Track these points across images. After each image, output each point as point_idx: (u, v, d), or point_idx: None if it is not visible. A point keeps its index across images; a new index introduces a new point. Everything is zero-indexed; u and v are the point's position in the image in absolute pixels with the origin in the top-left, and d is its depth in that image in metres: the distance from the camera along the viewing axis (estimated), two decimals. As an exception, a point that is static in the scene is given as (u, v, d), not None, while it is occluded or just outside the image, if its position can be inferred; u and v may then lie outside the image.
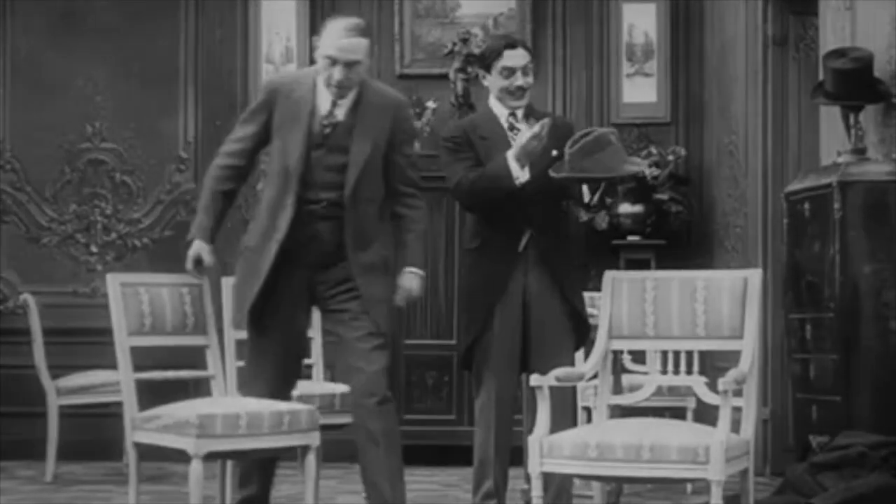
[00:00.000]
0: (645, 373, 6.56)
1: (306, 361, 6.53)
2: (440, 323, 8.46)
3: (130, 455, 5.47)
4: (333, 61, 5.31)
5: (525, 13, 9.03)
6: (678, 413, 6.92)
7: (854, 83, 6.33)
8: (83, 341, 8.25)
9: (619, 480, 5.79)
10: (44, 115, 9.09)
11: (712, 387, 5.41)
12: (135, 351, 5.55)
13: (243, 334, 6.30)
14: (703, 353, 5.50)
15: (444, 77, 8.84)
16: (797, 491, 5.80)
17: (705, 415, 6.56)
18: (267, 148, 5.55)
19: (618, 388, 5.96)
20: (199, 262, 5.45)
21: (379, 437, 5.30)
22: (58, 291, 8.92)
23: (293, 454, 5.47)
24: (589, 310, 6.04)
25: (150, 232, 9.15)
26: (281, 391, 5.48)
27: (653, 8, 8.97)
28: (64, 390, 7.94)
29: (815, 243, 6.34)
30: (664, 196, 8.66)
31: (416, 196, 5.53)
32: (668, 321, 5.38)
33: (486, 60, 5.86)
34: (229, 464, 5.92)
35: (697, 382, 5.63)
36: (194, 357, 5.85)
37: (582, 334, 5.82)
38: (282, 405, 5.37)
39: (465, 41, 8.77)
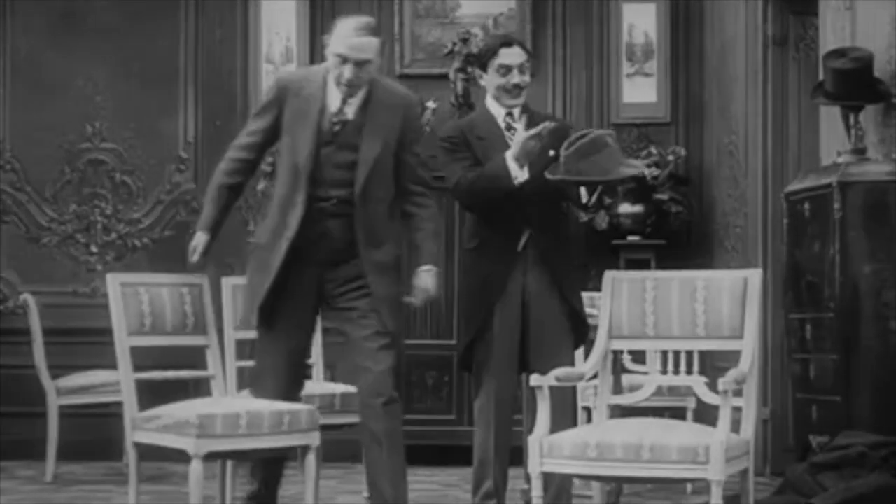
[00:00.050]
0: (645, 373, 6.55)
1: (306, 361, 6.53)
2: (440, 323, 8.46)
3: (130, 455, 5.48)
4: (344, 59, 5.32)
5: (525, 13, 9.03)
6: (678, 413, 6.92)
7: (854, 83, 6.33)
8: (83, 341, 8.25)
9: (619, 480, 5.79)
10: (44, 115, 9.09)
11: (712, 387, 5.41)
12: (135, 351, 5.55)
13: (243, 334, 6.32)
14: (703, 353, 5.49)
15: (444, 77, 8.84)
16: (797, 491, 5.80)
17: (705, 415, 6.56)
18: (272, 148, 5.56)
19: (618, 388, 5.95)
20: (204, 253, 5.47)
21: (382, 437, 5.31)
22: (58, 291, 8.92)
23: (293, 454, 5.48)
24: (589, 310, 6.04)
25: (150, 232, 9.15)
26: (291, 391, 5.49)
27: (653, 8, 8.97)
28: (64, 390, 7.94)
29: (815, 243, 6.34)
30: (664, 196, 8.66)
31: (427, 195, 5.53)
32: (668, 321, 5.38)
33: (482, 59, 5.87)
34: (229, 464, 5.93)
35: (697, 382, 5.62)
36: (194, 357, 5.85)
37: (581, 334, 5.82)
38: (282, 405, 5.37)
39: (465, 41, 8.77)
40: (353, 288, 5.41)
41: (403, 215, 5.52)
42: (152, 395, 5.70)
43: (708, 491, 4.90)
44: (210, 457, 5.31)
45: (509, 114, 5.81)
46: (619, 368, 6.13)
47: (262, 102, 5.64)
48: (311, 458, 5.41)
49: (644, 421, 5.22)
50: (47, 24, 9.14)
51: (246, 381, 6.67)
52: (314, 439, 5.41)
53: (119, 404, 5.75)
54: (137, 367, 5.56)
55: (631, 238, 8.66)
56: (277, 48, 9.06)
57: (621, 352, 6.14)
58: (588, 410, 6.57)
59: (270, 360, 5.47)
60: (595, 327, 5.60)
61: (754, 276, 5.34)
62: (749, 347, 5.22)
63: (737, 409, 5.05)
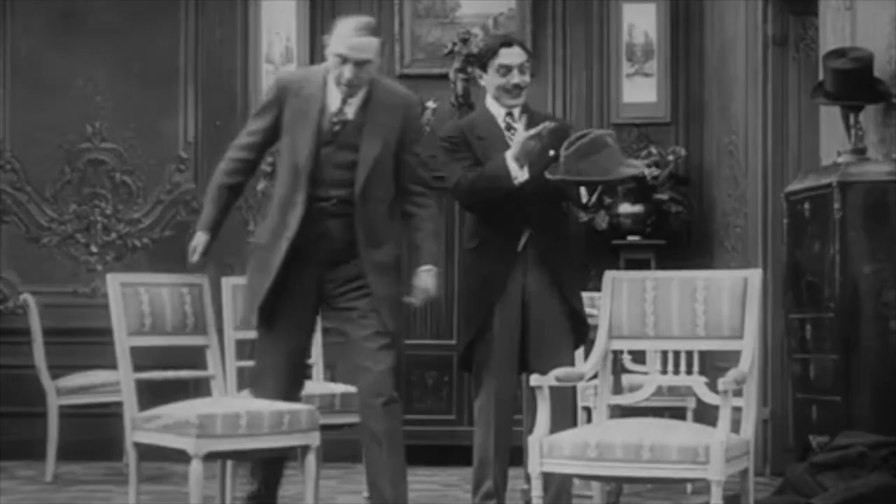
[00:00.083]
0: (645, 373, 6.55)
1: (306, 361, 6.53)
2: (440, 323, 8.46)
3: (130, 455, 5.47)
4: (344, 59, 5.32)
5: (525, 13, 9.03)
6: (678, 413, 6.92)
7: (854, 83, 6.33)
8: (83, 341, 8.25)
9: (619, 480, 5.79)
10: (44, 115, 9.09)
11: (712, 387, 5.41)
12: (135, 351, 5.55)
13: (243, 334, 6.32)
14: (703, 353, 5.49)
15: (444, 77, 8.84)
16: (797, 491, 5.80)
17: (705, 415, 6.56)
18: (272, 148, 5.56)
19: (618, 388, 5.95)
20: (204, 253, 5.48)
21: (382, 437, 5.31)
22: (58, 291, 8.92)
23: (293, 454, 5.48)
24: (589, 310, 6.04)
25: (150, 232, 9.15)
26: (291, 391, 5.49)
27: (653, 8, 8.97)
28: (64, 390, 7.94)
29: (815, 243, 6.34)
30: (664, 196, 8.66)
31: (427, 195, 5.53)
32: (668, 321, 5.38)
33: (482, 58, 5.87)
34: (229, 464, 5.93)
35: (697, 382, 5.62)
36: (194, 357, 5.85)
37: (581, 334, 5.82)
38: (282, 405, 5.37)
39: (465, 41, 8.77)
40: (353, 288, 5.41)
41: (403, 215, 5.52)
42: (152, 395, 5.70)
43: (708, 491, 4.90)
44: (210, 457, 5.31)
45: (509, 114, 5.81)
46: (619, 368, 6.13)
47: (262, 102, 5.64)
48: (311, 458, 5.41)
49: (644, 421, 5.22)
50: (47, 24, 9.14)
51: (246, 381, 6.67)
52: (314, 439, 5.41)
53: (119, 404, 5.75)
54: (137, 367, 5.56)
55: (631, 238, 8.66)
56: (277, 48, 9.06)
57: (621, 352, 6.14)
58: (588, 410, 6.57)
59: (270, 360, 5.47)
60: (595, 327, 5.60)
61: (754, 276, 5.34)
62: (749, 347, 5.22)
63: (737, 409, 5.05)
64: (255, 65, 9.06)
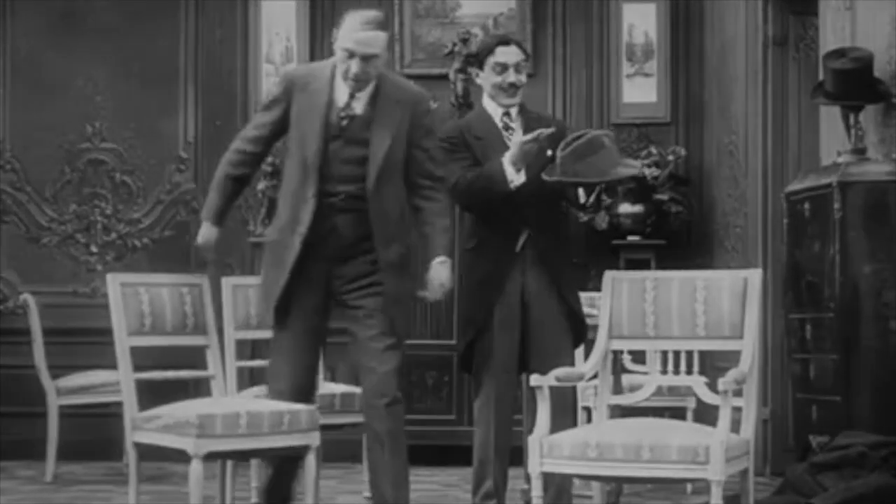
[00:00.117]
0: (645, 373, 6.55)
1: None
2: (440, 323, 8.46)
3: (130, 455, 5.47)
4: (351, 54, 5.29)
5: (525, 13, 9.03)
6: (678, 413, 6.92)
7: (854, 83, 6.33)
8: (83, 341, 8.24)
9: (619, 480, 5.79)
10: (44, 115, 9.09)
11: (712, 387, 5.40)
12: (135, 351, 5.55)
13: (243, 334, 6.33)
14: (703, 353, 5.48)
15: (444, 77, 8.84)
16: (797, 491, 5.80)
17: (705, 415, 6.56)
18: (278, 142, 5.54)
19: (618, 388, 5.95)
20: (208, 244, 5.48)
21: (384, 437, 5.30)
22: (58, 291, 8.92)
23: (305, 452, 5.46)
24: (589, 310, 6.04)
25: (150, 232, 9.15)
26: (306, 389, 5.45)
27: (653, 8, 8.97)
28: (64, 390, 7.94)
29: (815, 243, 6.34)
30: (664, 196, 8.65)
31: (436, 188, 5.48)
32: (668, 321, 5.38)
33: (479, 57, 5.87)
34: (229, 464, 5.93)
35: (697, 382, 5.61)
36: (194, 357, 5.85)
37: (579, 334, 5.83)
38: (282, 405, 5.36)
39: (465, 41, 8.77)
40: (361, 286, 5.36)
41: (413, 210, 5.47)
42: (152, 395, 5.70)
43: (708, 491, 4.90)
44: (210, 457, 5.30)
45: (506, 114, 5.81)
46: (619, 368, 6.13)
47: (269, 96, 5.61)
48: (311, 458, 5.41)
49: (644, 421, 5.22)
50: (47, 24, 9.14)
51: (246, 381, 6.68)
52: (314, 439, 5.40)
53: (119, 404, 5.74)
54: (137, 367, 5.55)
55: (631, 238, 8.66)
56: (277, 48, 9.06)
57: (621, 352, 6.14)
58: (588, 410, 6.57)
59: (285, 358, 5.41)
60: (595, 327, 5.60)
61: (754, 275, 5.34)
62: (749, 347, 5.22)
63: (737, 409, 5.05)
64: (255, 65, 9.06)
